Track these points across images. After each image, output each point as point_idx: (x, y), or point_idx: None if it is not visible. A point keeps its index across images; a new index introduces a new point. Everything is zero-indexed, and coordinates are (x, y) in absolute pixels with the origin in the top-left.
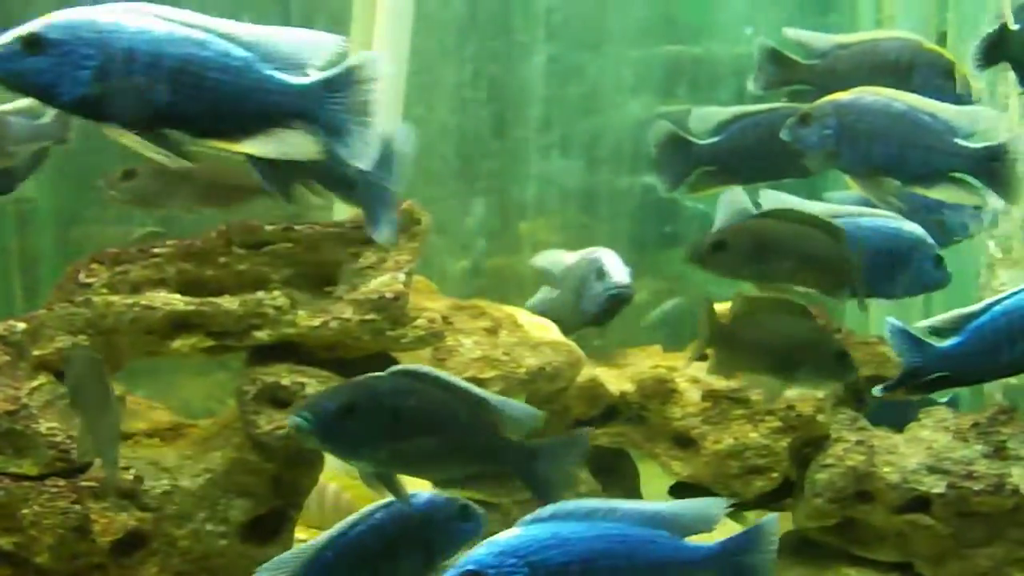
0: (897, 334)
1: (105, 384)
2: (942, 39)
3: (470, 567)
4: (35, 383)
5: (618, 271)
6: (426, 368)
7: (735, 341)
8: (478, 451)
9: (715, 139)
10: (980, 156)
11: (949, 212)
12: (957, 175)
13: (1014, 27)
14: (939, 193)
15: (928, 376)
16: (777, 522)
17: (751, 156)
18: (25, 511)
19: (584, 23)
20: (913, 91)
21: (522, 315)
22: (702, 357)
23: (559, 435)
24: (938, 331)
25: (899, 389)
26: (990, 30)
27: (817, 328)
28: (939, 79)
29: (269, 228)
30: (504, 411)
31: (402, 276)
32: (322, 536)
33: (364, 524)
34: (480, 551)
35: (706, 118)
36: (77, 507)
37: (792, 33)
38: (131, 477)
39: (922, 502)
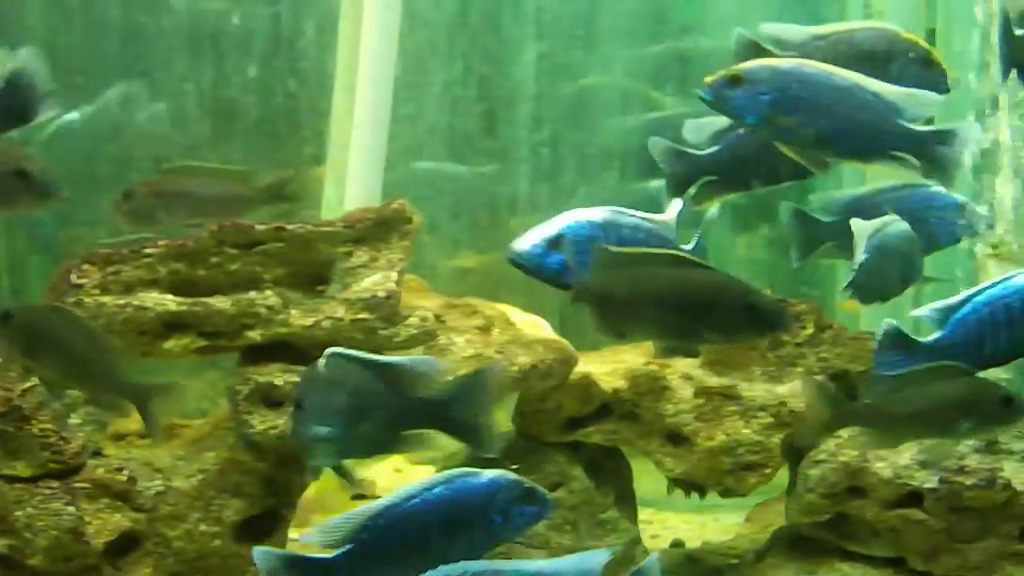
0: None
1: (81, 325)
2: (931, 35)
3: None
4: (27, 385)
5: (525, 238)
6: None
7: (889, 418)
8: (404, 418)
9: (714, 148)
10: (926, 139)
11: (935, 218)
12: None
13: (1019, 32)
14: (875, 169)
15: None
16: (657, 564)
17: (751, 163)
18: (19, 513)
19: (575, 20)
20: (891, 80)
21: (514, 313)
22: (694, 354)
23: (467, 375)
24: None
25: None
26: (1000, 40)
27: (974, 382)
28: (916, 68)
29: (260, 228)
30: (415, 370)
31: (394, 275)
32: (376, 503)
33: (420, 497)
34: None
35: (701, 128)
36: (71, 509)
37: (769, 28)
38: (124, 477)
39: (914, 497)
